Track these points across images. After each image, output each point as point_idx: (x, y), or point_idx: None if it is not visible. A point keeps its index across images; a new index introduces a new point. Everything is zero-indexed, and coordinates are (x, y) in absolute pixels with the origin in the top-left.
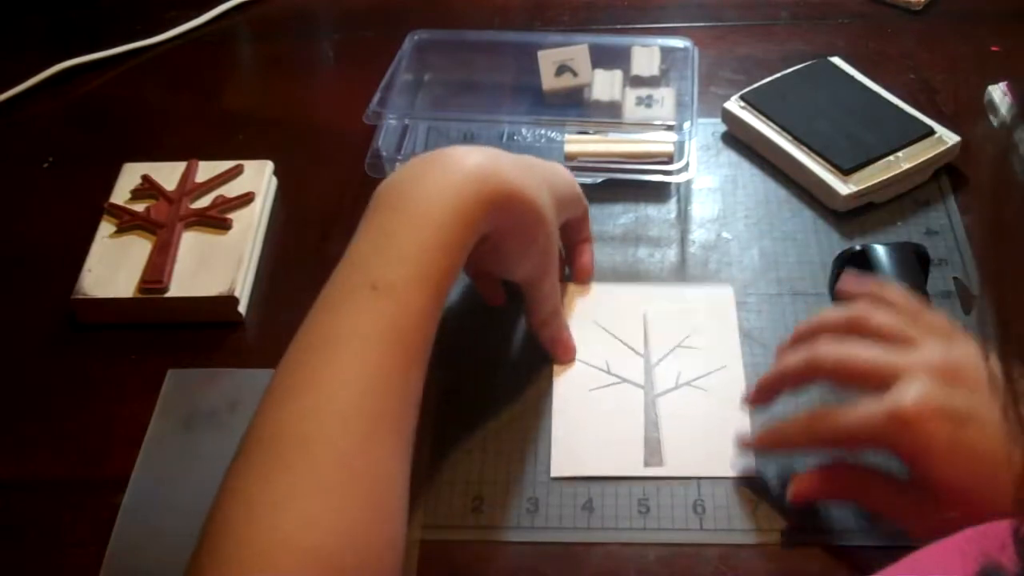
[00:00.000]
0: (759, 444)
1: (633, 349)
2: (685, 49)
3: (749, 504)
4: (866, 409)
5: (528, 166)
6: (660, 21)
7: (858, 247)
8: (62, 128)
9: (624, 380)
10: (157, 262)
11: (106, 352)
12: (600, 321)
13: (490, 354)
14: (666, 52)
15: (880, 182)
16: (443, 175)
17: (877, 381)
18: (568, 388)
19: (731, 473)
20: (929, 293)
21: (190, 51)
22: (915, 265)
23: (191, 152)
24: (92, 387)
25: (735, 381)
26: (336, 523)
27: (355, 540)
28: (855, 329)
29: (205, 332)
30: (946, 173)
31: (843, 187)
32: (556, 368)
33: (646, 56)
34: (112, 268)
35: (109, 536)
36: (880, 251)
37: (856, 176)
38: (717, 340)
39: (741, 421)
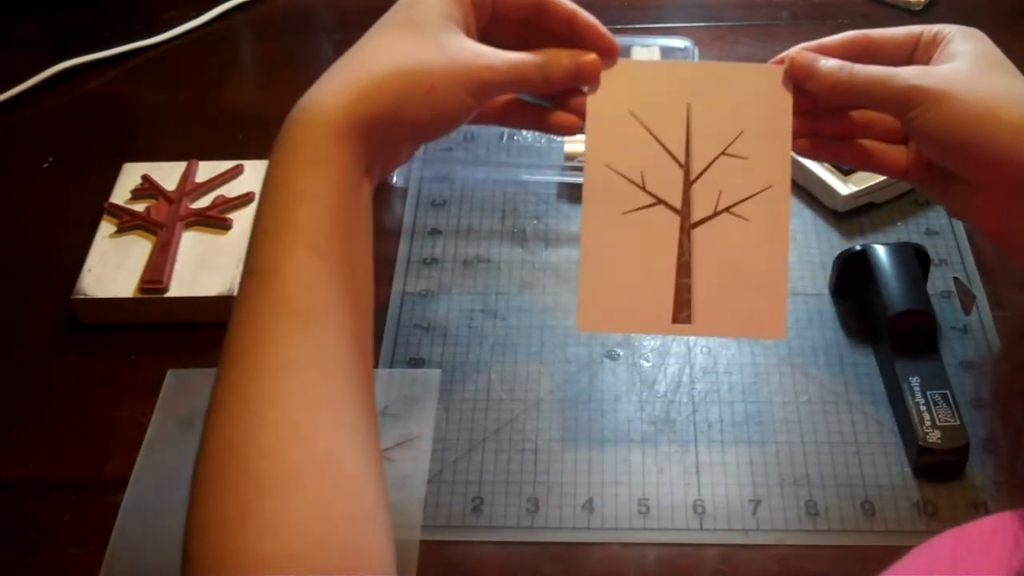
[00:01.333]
0: (798, 67)
1: (672, 155)
2: (685, 49)
3: (749, 504)
4: (910, 72)
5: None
6: (660, 21)
7: (858, 247)
8: (62, 128)
9: (660, 201)
10: (157, 262)
11: (106, 352)
12: (636, 111)
13: (490, 354)
14: (666, 52)
15: (880, 182)
16: (288, 139)
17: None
18: (599, 212)
19: (758, 335)
20: (929, 293)
21: (190, 51)
22: (915, 265)
23: (191, 152)
24: (92, 387)
25: (779, 207)
26: (297, 525)
27: (323, 542)
28: None
29: (205, 332)
30: None
31: (843, 187)
32: (587, 185)
33: (646, 56)
34: (112, 268)
35: (109, 536)
36: (880, 251)
37: (856, 176)
38: (767, 146)
39: (781, 273)
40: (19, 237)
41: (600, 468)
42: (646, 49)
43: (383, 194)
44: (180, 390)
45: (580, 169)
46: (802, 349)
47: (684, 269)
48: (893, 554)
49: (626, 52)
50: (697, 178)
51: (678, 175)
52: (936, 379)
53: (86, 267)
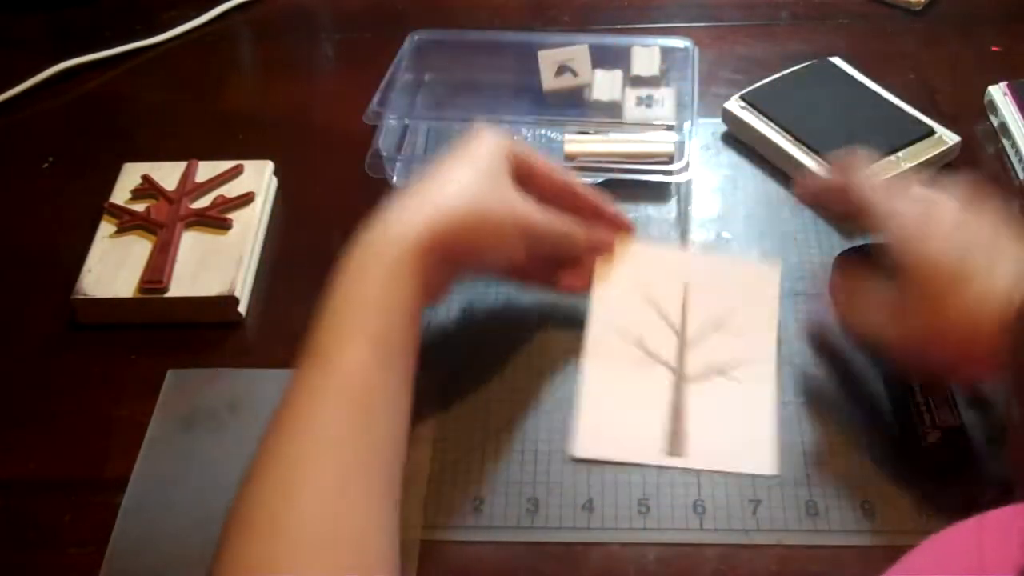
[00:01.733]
0: (800, 189)
1: (669, 323)
2: (685, 49)
3: (749, 504)
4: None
5: (446, 180)
6: (660, 21)
7: (858, 247)
8: (62, 128)
9: (656, 360)
10: (157, 262)
11: (106, 352)
12: (639, 283)
13: (490, 354)
14: (666, 52)
15: None
16: (358, 256)
17: None
18: (599, 364)
19: (752, 471)
20: None
21: (190, 51)
22: None
23: (191, 152)
24: (92, 387)
25: (768, 374)
26: None
27: None
28: None
29: (205, 332)
30: (946, 173)
31: None
32: (590, 339)
33: (646, 56)
34: (112, 268)
35: (109, 536)
36: (880, 251)
37: None
38: (756, 324)
39: (770, 421)
40: (19, 237)
41: (600, 468)
42: (646, 49)
43: (383, 194)
44: (180, 390)
45: (580, 169)
46: (802, 349)
47: (678, 415)
48: (893, 554)
49: (626, 52)
50: (691, 346)
51: (674, 341)
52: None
53: (86, 267)
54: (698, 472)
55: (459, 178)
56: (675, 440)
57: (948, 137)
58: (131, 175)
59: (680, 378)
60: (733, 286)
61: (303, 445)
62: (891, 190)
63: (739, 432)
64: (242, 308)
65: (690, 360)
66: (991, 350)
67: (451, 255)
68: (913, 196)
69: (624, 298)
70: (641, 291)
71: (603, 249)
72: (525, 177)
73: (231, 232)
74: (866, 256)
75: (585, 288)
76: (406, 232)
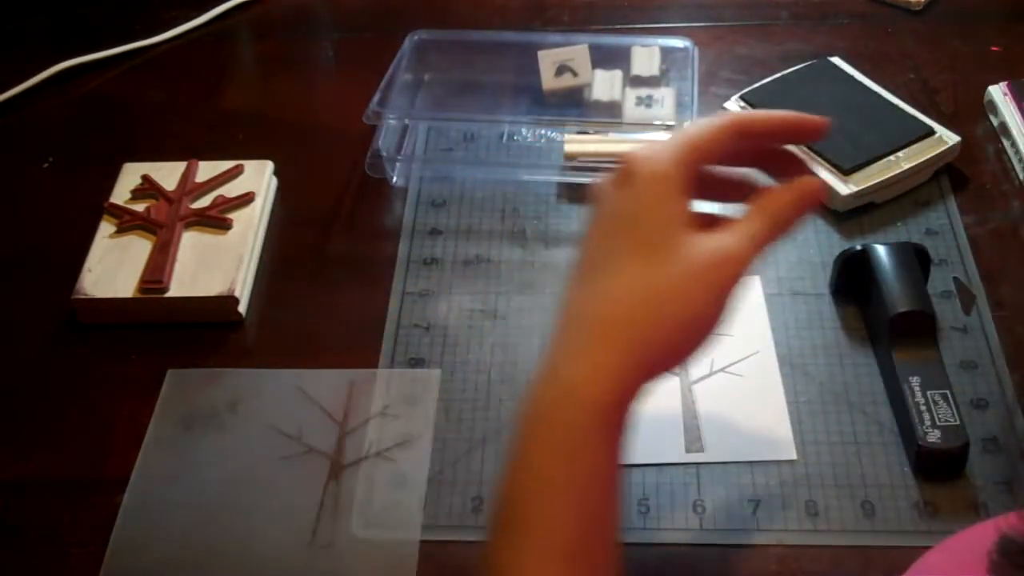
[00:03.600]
0: None
1: None
2: (685, 49)
3: (749, 504)
4: None
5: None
6: (660, 21)
7: (858, 247)
8: (62, 128)
9: None
10: (157, 262)
11: (106, 352)
12: None
13: (490, 353)
14: (666, 52)
15: (880, 182)
16: (535, 423)
17: None
18: None
19: (770, 458)
20: (929, 293)
21: (190, 51)
22: (915, 265)
23: (191, 152)
24: (92, 387)
25: (769, 364)
26: None
27: None
28: None
29: (205, 332)
30: (946, 173)
31: (843, 187)
32: None
33: (646, 56)
34: (112, 268)
35: (109, 536)
36: (880, 251)
37: (856, 176)
38: (748, 327)
39: (782, 407)
40: (19, 237)
41: None
42: (646, 49)
43: (383, 194)
44: (180, 390)
45: (580, 169)
46: (802, 349)
47: (690, 413)
48: (893, 554)
49: (626, 52)
50: None
51: None
52: (936, 379)
53: (86, 267)
54: (698, 472)
55: (629, 281)
56: (692, 437)
57: (948, 137)
58: (131, 175)
59: (685, 381)
60: None
61: None
62: None
63: (753, 422)
64: (242, 308)
65: (691, 365)
66: None
67: (648, 380)
68: None
69: None
70: None
71: (814, 198)
72: (710, 157)
73: (231, 232)
74: (866, 257)
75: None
76: (590, 394)
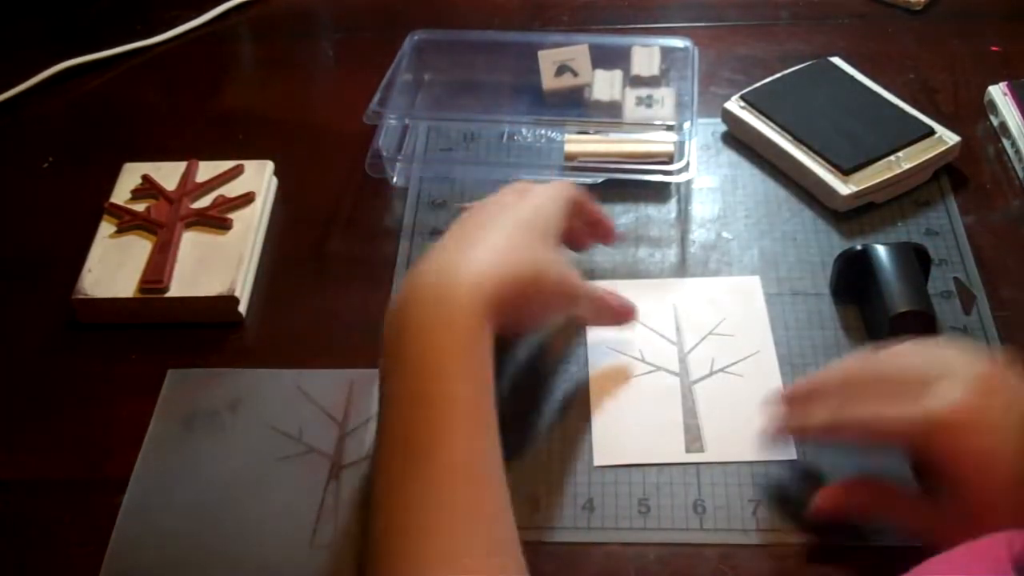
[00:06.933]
0: (792, 432)
1: (666, 338)
2: (685, 49)
3: (749, 504)
4: (903, 409)
5: (507, 238)
6: (660, 21)
7: (858, 247)
8: (62, 128)
9: (659, 368)
10: (157, 262)
11: (106, 352)
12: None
13: None
14: (666, 52)
15: (880, 182)
16: (441, 316)
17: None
18: (605, 378)
19: (771, 458)
20: (929, 293)
21: (190, 51)
22: (915, 265)
23: (191, 152)
24: (92, 387)
25: (769, 365)
26: None
27: None
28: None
29: (205, 332)
30: (946, 173)
31: (843, 187)
32: (591, 359)
33: (646, 56)
34: (112, 268)
35: (109, 536)
36: (880, 251)
37: (856, 176)
38: (748, 327)
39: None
40: (19, 237)
41: (600, 468)
42: (646, 49)
43: (383, 194)
44: (180, 390)
45: (580, 169)
46: (802, 349)
47: (691, 413)
48: (892, 554)
49: (626, 52)
50: (690, 351)
51: (673, 350)
52: None
53: (86, 267)
54: (699, 472)
55: (520, 240)
56: (692, 436)
57: (948, 137)
58: (131, 175)
59: (685, 380)
60: (720, 299)
61: (417, 570)
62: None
63: (753, 422)
64: (242, 308)
65: (692, 363)
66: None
67: (507, 313)
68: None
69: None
70: (636, 317)
71: (625, 321)
72: (576, 212)
73: (231, 232)
74: (866, 257)
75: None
76: (481, 294)
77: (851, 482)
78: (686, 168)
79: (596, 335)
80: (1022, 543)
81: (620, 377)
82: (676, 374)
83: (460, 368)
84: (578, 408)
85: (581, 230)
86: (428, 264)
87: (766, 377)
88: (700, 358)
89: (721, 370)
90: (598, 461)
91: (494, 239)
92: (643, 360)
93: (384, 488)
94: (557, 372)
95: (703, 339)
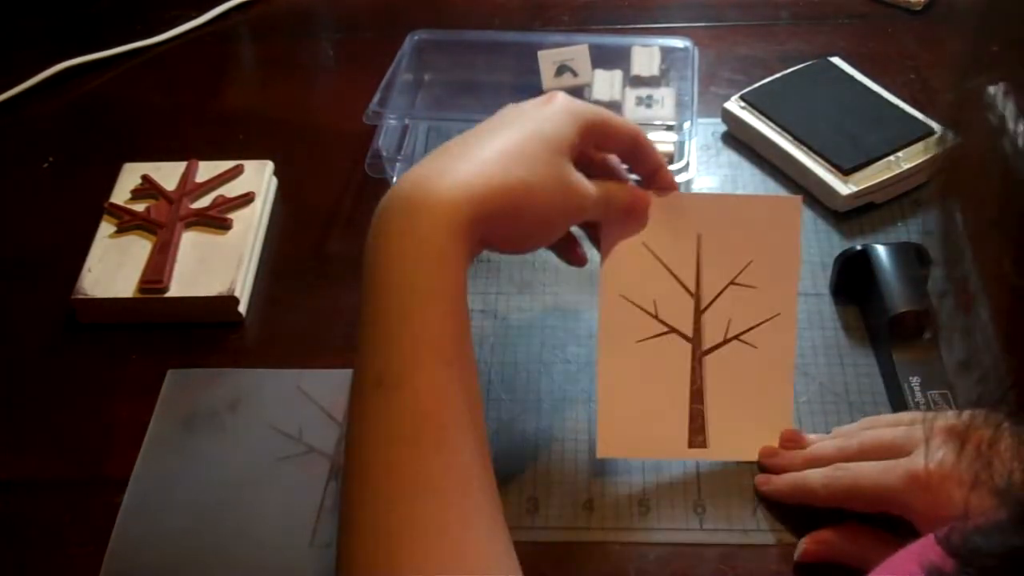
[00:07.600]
0: (778, 495)
1: (684, 285)
2: (685, 49)
3: (749, 504)
4: (884, 469)
5: (501, 150)
6: (660, 21)
7: (858, 247)
8: (62, 128)
9: (672, 330)
10: (157, 262)
11: (106, 352)
12: (649, 242)
13: (490, 351)
14: (666, 52)
15: (880, 182)
16: (413, 229)
17: (896, 450)
18: (614, 342)
19: None
20: (929, 293)
21: (190, 51)
22: (915, 265)
23: (191, 152)
24: (92, 387)
25: (786, 335)
26: None
27: None
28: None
29: (205, 332)
30: None
31: (843, 187)
32: (603, 311)
33: (646, 56)
34: (112, 268)
35: (109, 536)
36: (880, 251)
37: (856, 176)
38: (775, 275)
39: (786, 394)
40: (19, 237)
41: (600, 468)
42: (646, 49)
43: (383, 194)
44: (180, 390)
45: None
46: (802, 349)
47: (697, 395)
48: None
49: (626, 52)
50: (707, 307)
51: (689, 304)
52: (936, 379)
53: (86, 267)
54: (699, 472)
55: (514, 148)
56: (695, 429)
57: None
58: (131, 175)
59: (697, 348)
60: (750, 230)
61: (389, 502)
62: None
63: (758, 414)
64: (242, 308)
65: (707, 325)
66: None
67: (494, 228)
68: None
69: (634, 261)
70: (652, 249)
71: (641, 211)
72: (600, 139)
73: (231, 232)
74: (866, 257)
75: (585, 260)
76: (458, 205)
77: (839, 530)
78: (686, 168)
79: (609, 276)
80: (935, 553)
81: (630, 337)
82: (688, 339)
83: (430, 286)
84: (570, 395)
85: (602, 163)
86: (413, 171)
87: (780, 351)
88: (716, 317)
89: (736, 337)
90: (600, 453)
91: (490, 148)
92: (656, 316)
93: (354, 416)
94: (519, 377)
95: (722, 291)
